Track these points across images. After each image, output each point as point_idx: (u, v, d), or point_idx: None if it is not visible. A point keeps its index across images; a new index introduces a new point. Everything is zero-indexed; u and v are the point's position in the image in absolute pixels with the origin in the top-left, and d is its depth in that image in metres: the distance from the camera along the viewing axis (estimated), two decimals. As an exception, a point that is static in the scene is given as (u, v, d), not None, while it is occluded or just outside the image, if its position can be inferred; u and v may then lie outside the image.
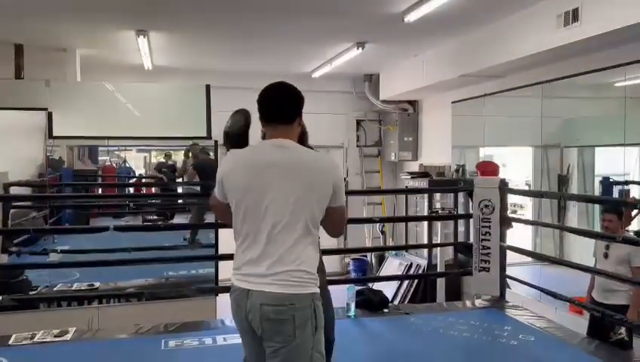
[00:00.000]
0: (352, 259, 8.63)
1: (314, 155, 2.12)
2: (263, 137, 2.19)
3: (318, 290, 2.00)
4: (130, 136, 6.25)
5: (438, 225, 7.06)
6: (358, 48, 6.74)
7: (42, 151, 6.53)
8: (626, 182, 5.82)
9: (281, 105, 2.12)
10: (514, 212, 7.37)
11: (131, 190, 9.57)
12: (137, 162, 10.80)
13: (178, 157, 8.94)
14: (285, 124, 2.10)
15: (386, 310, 4.50)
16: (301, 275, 1.94)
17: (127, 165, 10.01)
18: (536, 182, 7.67)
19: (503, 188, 4.71)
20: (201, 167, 7.45)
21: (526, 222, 5.94)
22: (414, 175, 7.99)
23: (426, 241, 7.32)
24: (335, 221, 2.12)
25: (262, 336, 1.96)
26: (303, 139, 2.29)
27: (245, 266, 2.00)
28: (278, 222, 1.95)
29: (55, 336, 3.78)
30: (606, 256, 4.12)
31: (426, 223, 7.44)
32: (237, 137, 2.26)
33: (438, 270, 6.82)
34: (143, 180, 10.11)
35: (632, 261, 3.96)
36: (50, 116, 5.63)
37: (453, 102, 7.74)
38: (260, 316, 1.92)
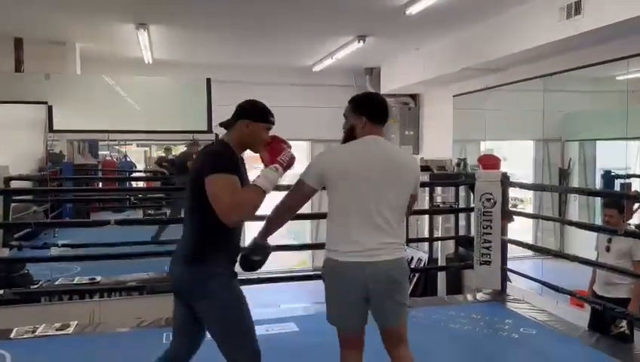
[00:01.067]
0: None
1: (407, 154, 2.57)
2: (350, 134, 2.48)
3: None
4: (130, 130, 6.24)
5: (440, 218, 7.06)
6: (359, 42, 6.72)
7: (42, 145, 6.53)
8: (628, 176, 5.82)
9: (386, 111, 2.51)
10: (515, 206, 7.37)
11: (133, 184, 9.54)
12: (138, 156, 10.80)
13: (179, 152, 8.92)
14: (382, 125, 2.50)
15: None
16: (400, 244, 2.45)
17: (128, 159, 10.01)
18: (538, 176, 7.67)
19: (505, 181, 4.70)
20: (172, 162, 7.54)
21: (527, 215, 5.95)
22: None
23: (427, 235, 7.32)
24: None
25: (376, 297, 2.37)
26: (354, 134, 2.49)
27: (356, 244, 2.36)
28: (384, 205, 2.36)
29: (57, 330, 3.79)
30: (608, 249, 4.11)
31: (427, 217, 7.43)
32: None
33: (439, 264, 6.82)
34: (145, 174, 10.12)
35: (633, 254, 3.96)
36: (50, 110, 5.62)
37: (454, 96, 7.72)
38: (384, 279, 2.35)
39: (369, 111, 2.44)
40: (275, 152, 2.30)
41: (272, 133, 2.38)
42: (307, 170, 2.45)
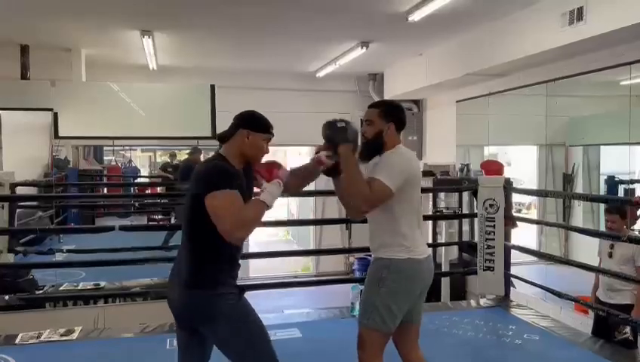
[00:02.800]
0: (357, 258, 8.63)
1: None
2: (377, 139, 2.53)
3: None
4: (135, 136, 6.28)
5: (443, 224, 7.05)
6: (362, 47, 6.75)
7: (48, 151, 6.57)
8: (631, 181, 5.81)
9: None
10: (519, 211, 7.36)
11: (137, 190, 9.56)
12: (142, 162, 10.86)
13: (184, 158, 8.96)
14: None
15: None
16: None
17: (133, 165, 10.05)
18: (541, 181, 7.65)
19: (508, 187, 4.70)
20: (177, 168, 7.58)
21: (530, 221, 5.92)
22: (419, 174, 7.97)
23: (430, 240, 7.31)
24: None
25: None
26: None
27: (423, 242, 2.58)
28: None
29: (61, 335, 3.80)
30: (611, 255, 4.11)
31: (430, 222, 7.43)
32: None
33: (443, 269, 6.80)
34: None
35: (636, 260, 3.95)
36: (55, 116, 5.66)
37: (457, 101, 7.73)
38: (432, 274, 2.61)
39: (399, 119, 2.54)
40: (275, 166, 2.30)
41: (273, 140, 2.37)
42: (392, 174, 2.40)
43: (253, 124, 2.27)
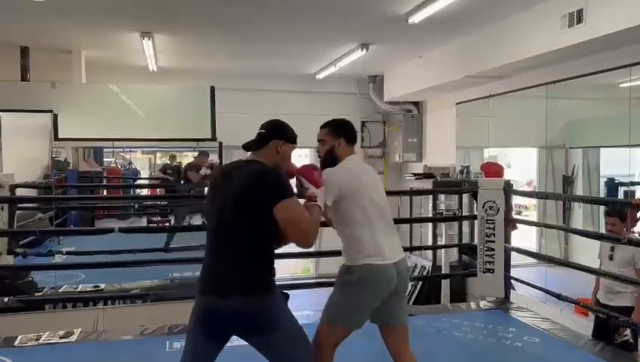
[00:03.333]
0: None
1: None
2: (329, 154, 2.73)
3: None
4: (135, 138, 6.27)
5: (443, 226, 7.05)
6: (362, 49, 6.75)
7: (48, 153, 6.57)
8: (631, 183, 5.81)
9: (356, 135, 2.86)
10: (519, 213, 7.36)
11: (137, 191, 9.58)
12: (142, 163, 10.84)
13: (184, 160, 8.97)
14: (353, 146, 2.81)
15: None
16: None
17: (133, 167, 10.04)
18: (542, 183, 7.66)
19: (508, 189, 4.70)
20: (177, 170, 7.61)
21: (530, 223, 5.92)
22: (419, 176, 7.98)
23: (430, 242, 7.31)
24: None
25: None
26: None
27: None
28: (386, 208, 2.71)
29: (60, 337, 3.79)
30: (611, 257, 4.10)
31: (430, 224, 7.43)
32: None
33: (443, 271, 6.80)
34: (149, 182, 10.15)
35: (637, 262, 3.95)
36: (55, 118, 5.65)
37: (457, 103, 7.73)
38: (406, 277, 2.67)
39: (347, 133, 2.78)
40: (316, 170, 2.51)
41: None
42: (327, 189, 2.52)
43: (286, 135, 2.39)
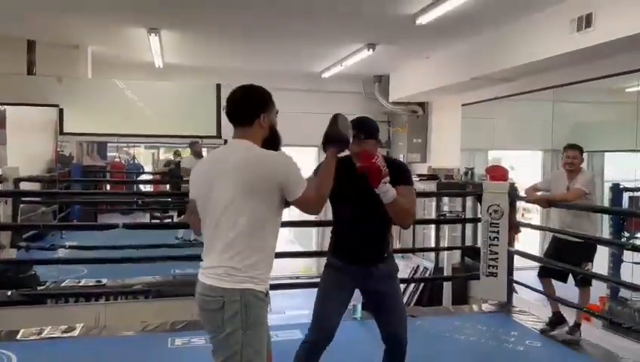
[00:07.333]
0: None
1: (259, 153, 2.08)
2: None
3: (252, 286, 1.98)
4: (140, 133, 6.27)
5: (446, 228, 7.04)
6: (368, 49, 6.74)
7: (52, 147, 6.57)
8: (637, 189, 5.77)
9: (237, 107, 2.19)
10: (521, 216, 7.32)
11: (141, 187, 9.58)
12: (146, 158, 10.85)
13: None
14: (244, 126, 2.15)
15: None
16: (228, 271, 1.97)
17: (136, 162, 10.04)
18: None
19: (513, 193, 4.68)
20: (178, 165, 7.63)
21: (534, 227, 5.89)
22: (423, 177, 7.97)
23: (433, 244, 7.30)
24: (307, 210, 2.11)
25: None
26: (274, 142, 2.22)
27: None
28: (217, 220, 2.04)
29: (62, 332, 3.80)
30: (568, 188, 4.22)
31: (433, 226, 7.41)
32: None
33: (445, 273, 6.79)
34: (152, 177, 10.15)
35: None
36: (61, 112, 5.66)
37: (463, 105, 7.72)
38: (198, 304, 2.05)
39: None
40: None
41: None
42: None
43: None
